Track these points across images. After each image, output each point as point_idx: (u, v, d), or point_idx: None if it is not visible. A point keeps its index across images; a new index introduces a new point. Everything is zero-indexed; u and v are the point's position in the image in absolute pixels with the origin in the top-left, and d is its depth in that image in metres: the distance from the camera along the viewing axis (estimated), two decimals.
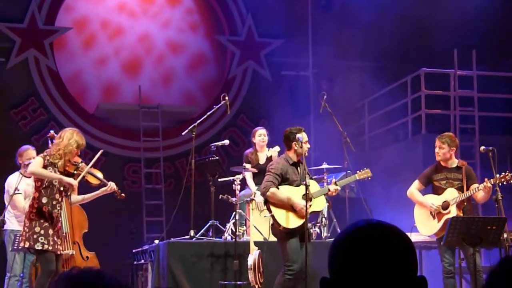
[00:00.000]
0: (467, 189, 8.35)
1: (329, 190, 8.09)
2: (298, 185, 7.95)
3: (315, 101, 13.61)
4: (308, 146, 8.13)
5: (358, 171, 8.69)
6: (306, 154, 8.12)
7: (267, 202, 8.01)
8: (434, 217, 8.45)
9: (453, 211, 8.29)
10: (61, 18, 14.65)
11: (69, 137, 7.69)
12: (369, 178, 8.70)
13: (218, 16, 15.68)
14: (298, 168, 8.01)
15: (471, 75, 13.24)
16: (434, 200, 8.47)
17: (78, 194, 8.22)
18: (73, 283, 1.87)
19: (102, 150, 8.41)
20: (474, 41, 13.17)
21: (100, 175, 8.07)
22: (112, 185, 7.98)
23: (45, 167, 7.60)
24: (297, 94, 14.80)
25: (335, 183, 8.23)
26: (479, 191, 8.24)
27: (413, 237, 9.21)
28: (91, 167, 7.90)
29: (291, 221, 7.85)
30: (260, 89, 15.10)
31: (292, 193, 7.90)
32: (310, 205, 7.83)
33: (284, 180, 7.94)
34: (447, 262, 8.27)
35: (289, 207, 7.85)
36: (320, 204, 8.17)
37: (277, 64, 15.41)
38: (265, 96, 14.59)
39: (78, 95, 14.66)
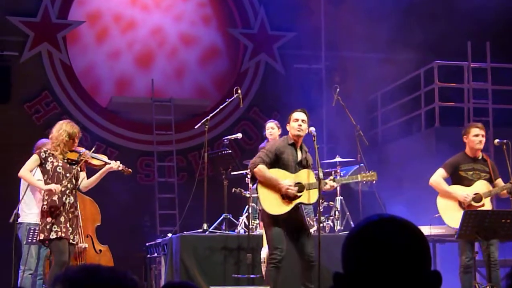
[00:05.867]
0: (492, 183, 8.29)
1: (325, 184, 7.79)
2: (294, 171, 7.70)
3: (327, 94, 13.59)
4: (300, 125, 7.71)
5: (362, 172, 8.35)
6: (299, 133, 7.71)
7: (255, 180, 7.79)
8: (463, 209, 8.18)
9: (487, 205, 8.19)
10: (74, 11, 14.69)
11: (58, 129, 7.88)
12: (374, 182, 8.38)
13: (230, 9, 15.67)
14: (298, 152, 7.76)
15: (485, 67, 13.18)
16: (466, 192, 8.30)
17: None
18: (69, 284, 1.86)
19: (96, 146, 8.46)
20: (488, 33, 13.11)
21: (104, 157, 8.14)
22: (117, 163, 8.01)
23: (44, 159, 7.80)
24: (310, 87, 14.77)
25: (333, 180, 7.90)
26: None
27: (427, 230, 9.18)
28: (93, 152, 8.00)
29: (276, 207, 7.58)
30: (272, 82, 15.08)
31: (283, 178, 7.62)
32: (300, 196, 7.60)
33: (278, 159, 7.68)
34: (468, 256, 8.06)
35: (276, 190, 7.56)
36: (312, 197, 7.71)
37: (290, 57, 15.39)
38: (277, 89, 14.56)
39: (91, 89, 14.70)
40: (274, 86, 14.85)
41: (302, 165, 7.76)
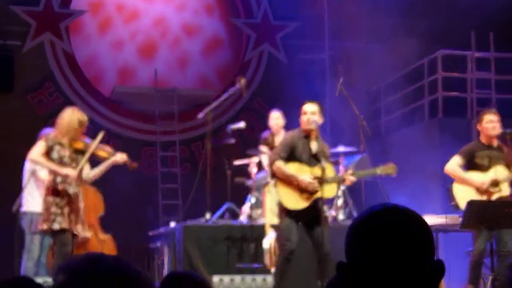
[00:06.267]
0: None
1: (344, 180, 7.86)
2: (309, 164, 7.72)
3: (331, 84, 13.55)
4: (310, 118, 7.73)
5: (381, 165, 8.16)
6: (310, 126, 7.73)
7: (274, 176, 7.80)
8: (481, 195, 8.13)
9: (505, 190, 8.14)
10: (76, 1, 14.65)
11: (70, 115, 7.77)
12: (393, 175, 8.18)
13: None
14: (312, 144, 7.79)
15: (489, 57, 13.15)
16: (482, 178, 8.24)
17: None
18: (72, 274, 1.85)
19: (103, 132, 8.35)
20: (492, 22, 13.06)
21: (108, 148, 8.09)
22: (123, 156, 7.98)
23: (50, 147, 7.66)
24: (313, 77, 14.73)
25: (352, 174, 7.89)
26: None
27: (430, 219, 9.16)
28: (99, 142, 7.92)
29: (295, 202, 7.62)
30: (276, 72, 15.06)
31: (301, 172, 7.67)
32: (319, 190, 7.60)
33: (292, 152, 7.70)
34: (481, 244, 7.91)
35: (295, 186, 7.59)
36: (330, 191, 7.76)
37: (293, 46, 15.35)
38: (280, 79, 14.55)
39: (94, 79, 14.68)
40: (277, 76, 14.83)
41: (317, 158, 7.72)
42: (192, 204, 10.44)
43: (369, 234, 1.90)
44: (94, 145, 7.84)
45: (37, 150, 7.68)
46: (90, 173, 8.03)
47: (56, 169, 7.63)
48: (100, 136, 8.09)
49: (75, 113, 7.81)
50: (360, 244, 1.90)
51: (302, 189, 7.61)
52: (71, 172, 7.60)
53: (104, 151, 7.99)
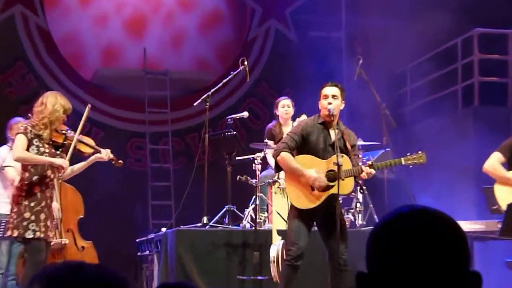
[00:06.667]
0: None
1: (361, 171, 7.71)
2: (324, 156, 7.62)
3: (348, 66, 13.55)
4: (330, 102, 7.60)
5: (408, 154, 7.90)
6: (326, 112, 7.57)
7: (280, 169, 7.79)
8: None
9: None
10: None
11: (53, 102, 7.58)
12: (423, 164, 7.95)
13: None
14: (331, 132, 7.68)
15: None
16: None
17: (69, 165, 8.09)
18: (48, 283, 1.85)
19: (89, 105, 8.29)
20: None
21: (92, 142, 8.04)
22: (107, 152, 7.94)
23: (29, 141, 7.52)
24: (327, 58, 14.73)
25: (371, 165, 7.67)
26: None
27: (464, 226, 9.17)
28: (80, 133, 7.86)
29: (304, 200, 7.56)
30: (284, 53, 15.07)
31: (313, 166, 7.58)
32: (332, 186, 7.49)
33: (305, 142, 7.64)
34: None
35: (304, 182, 7.52)
36: (345, 187, 7.59)
37: (305, 23, 15.36)
38: (290, 61, 14.56)
39: (74, 59, 14.69)
40: (286, 57, 14.84)
41: (337, 148, 7.59)
42: (186, 205, 10.46)
43: (394, 237, 1.90)
44: (75, 139, 7.76)
45: (19, 146, 7.50)
46: (69, 169, 7.97)
47: (50, 161, 7.52)
48: (86, 111, 8.05)
49: (59, 99, 7.64)
50: (383, 247, 1.91)
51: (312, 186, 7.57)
52: (64, 163, 7.56)
53: (87, 145, 7.93)
